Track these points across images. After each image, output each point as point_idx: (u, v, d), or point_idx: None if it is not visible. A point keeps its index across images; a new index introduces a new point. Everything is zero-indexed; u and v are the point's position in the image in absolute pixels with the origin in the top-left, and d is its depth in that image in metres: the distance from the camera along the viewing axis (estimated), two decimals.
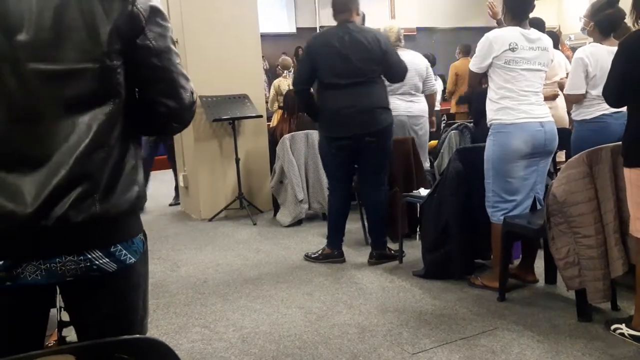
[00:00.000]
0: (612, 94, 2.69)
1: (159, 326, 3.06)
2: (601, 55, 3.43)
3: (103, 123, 1.19)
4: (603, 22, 3.50)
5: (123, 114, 1.24)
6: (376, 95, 3.69)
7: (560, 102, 4.43)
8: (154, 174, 8.36)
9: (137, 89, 1.28)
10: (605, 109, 3.42)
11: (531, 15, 3.21)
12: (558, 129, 3.89)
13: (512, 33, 3.12)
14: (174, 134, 1.46)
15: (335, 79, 3.64)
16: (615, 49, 3.39)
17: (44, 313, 1.30)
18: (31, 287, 1.18)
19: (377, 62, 3.65)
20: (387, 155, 3.83)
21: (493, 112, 3.19)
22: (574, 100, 3.68)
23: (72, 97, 1.15)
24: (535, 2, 3.22)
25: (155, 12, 1.26)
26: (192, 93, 1.35)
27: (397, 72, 3.80)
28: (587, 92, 3.51)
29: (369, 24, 5.05)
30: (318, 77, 3.72)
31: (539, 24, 4.13)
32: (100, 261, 1.22)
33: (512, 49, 3.09)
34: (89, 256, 1.20)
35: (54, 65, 1.13)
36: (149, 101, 1.30)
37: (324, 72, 3.66)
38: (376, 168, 3.82)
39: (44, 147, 1.14)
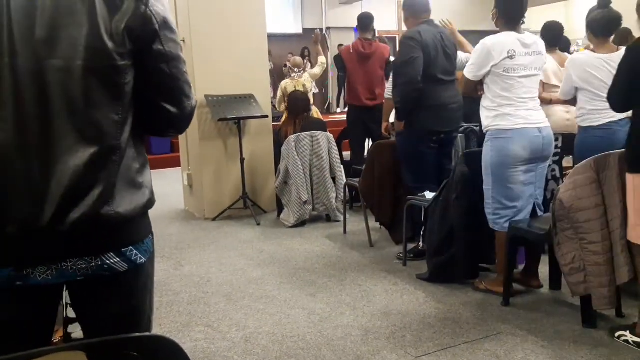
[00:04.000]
0: (618, 99, 2.68)
1: (162, 324, 3.06)
2: (588, 66, 3.40)
3: (113, 124, 1.19)
4: (593, 24, 3.45)
5: (131, 116, 1.24)
6: (458, 92, 3.90)
7: (573, 108, 4.41)
8: (158, 172, 8.41)
9: (142, 92, 1.27)
10: (611, 116, 3.41)
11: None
12: (566, 134, 3.88)
13: (509, 39, 3.08)
14: (166, 137, 1.45)
15: (441, 74, 3.76)
16: (610, 55, 3.38)
17: (52, 310, 1.30)
18: (41, 285, 1.18)
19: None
20: None
21: (490, 119, 3.15)
22: (569, 104, 3.71)
23: (82, 95, 1.15)
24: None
25: (168, 20, 1.26)
26: (194, 101, 1.36)
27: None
28: (592, 99, 3.48)
29: (376, 26, 5.10)
30: (428, 72, 3.73)
31: (558, 29, 4.12)
32: (112, 261, 1.22)
33: (511, 57, 3.05)
34: (101, 256, 1.21)
35: (64, 62, 1.13)
36: (151, 105, 1.29)
37: (434, 67, 3.74)
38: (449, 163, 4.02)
39: (54, 149, 1.14)
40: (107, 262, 1.22)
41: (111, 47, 1.15)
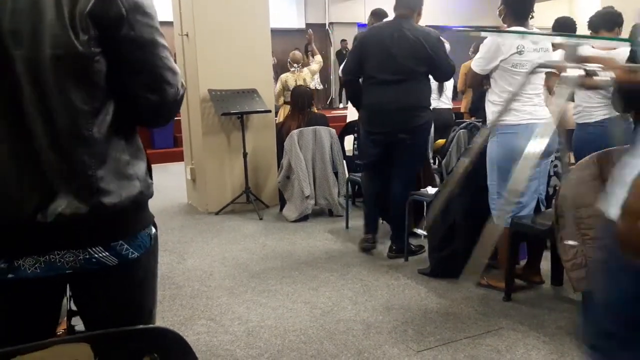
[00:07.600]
0: None
1: (164, 318, 3.07)
2: None
3: (83, 115, 1.15)
4: (592, 19, 3.55)
5: (110, 106, 1.20)
6: (416, 93, 3.78)
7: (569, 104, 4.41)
8: (161, 166, 8.42)
9: (118, 80, 1.21)
10: (606, 113, 3.40)
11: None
12: (568, 130, 3.88)
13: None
14: (155, 127, 1.38)
15: (380, 74, 3.75)
16: (608, 52, 3.38)
17: (53, 303, 1.30)
18: (35, 279, 1.18)
19: (422, 62, 3.71)
20: (420, 154, 3.97)
21: (497, 114, 3.16)
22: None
23: (51, 86, 1.12)
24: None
25: (141, 3, 1.19)
26: (179, 88, 1.28)
27: (443, 73, 3.93)
28: (588, 96, 3.48)
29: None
30: (364, 70, 3.82)
31: (570, 25, 4.12)
32: (100, 255, 1.20)
33: (520, 52, 3.05)
34: (88, 249, 1.19)
35: (30, 52, 1.10)
36: (130, 94, 1.23)
37: (370, 67, 3.77)
38: (407, 164, 3.90)
39: (29, 141, 1.13)
40: (95, 255, 1.20)
41: (74, 34, 1.11)
